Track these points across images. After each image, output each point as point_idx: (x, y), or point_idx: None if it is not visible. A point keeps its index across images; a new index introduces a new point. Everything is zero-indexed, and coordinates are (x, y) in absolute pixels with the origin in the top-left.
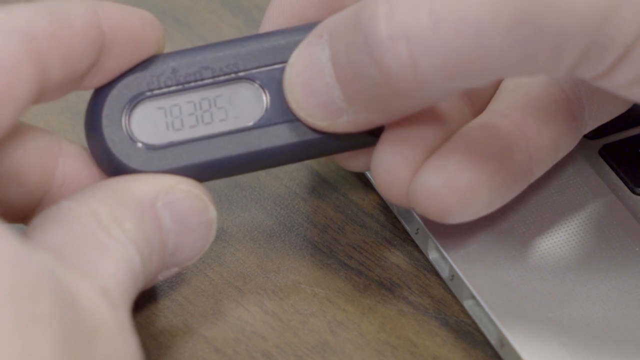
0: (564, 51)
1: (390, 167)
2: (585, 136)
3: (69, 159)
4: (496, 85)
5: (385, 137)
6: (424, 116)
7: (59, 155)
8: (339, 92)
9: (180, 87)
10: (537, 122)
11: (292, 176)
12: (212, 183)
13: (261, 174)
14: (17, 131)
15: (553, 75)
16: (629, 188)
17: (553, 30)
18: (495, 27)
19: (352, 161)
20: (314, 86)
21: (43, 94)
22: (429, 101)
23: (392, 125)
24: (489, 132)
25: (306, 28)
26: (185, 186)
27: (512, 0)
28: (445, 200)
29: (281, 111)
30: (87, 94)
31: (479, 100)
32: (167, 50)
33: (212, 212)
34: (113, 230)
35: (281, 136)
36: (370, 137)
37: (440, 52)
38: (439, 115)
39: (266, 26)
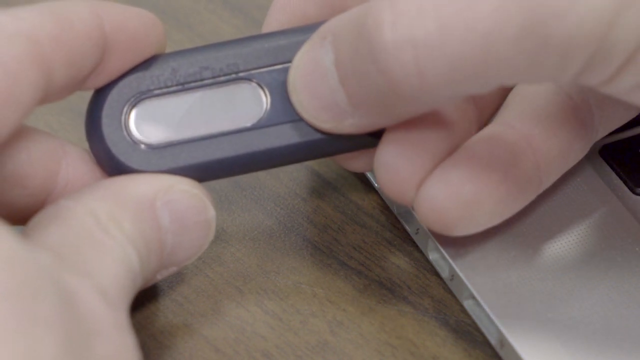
0: (570, 59)
1: (393, 166)
2: None
3: (73, 162)
4: (503, 89)
5: (389, 137)
6: (428, 118)
7: (63, 158)
8: (343, 96)
9: (180, 87)
10: (544, 131)
11: (292, 176)
12: (212, 183)
13: (261, 174)
14: (21, 134)
15: (559, 83)
16: (629, 188)
17: (559, 40)
18: (503, 37)
19: (352, 162)
20: (317, 89)
21: (46, 96)
22: (433, 105)
23: (396, 126)
24: (493, 143)
25: (306, 29)
26: (184, 186)
27: (519, 11)
28: (448, 211)
29: (281, 112)
30: (88, 94)
31: (483, 103)
32: (167, 50)
33: (211, 212)
34: (111, 230)
35: (281, 137)
36: (372, 138)
37: (446, 60)
38: (443, 118)
39: (268, 23)
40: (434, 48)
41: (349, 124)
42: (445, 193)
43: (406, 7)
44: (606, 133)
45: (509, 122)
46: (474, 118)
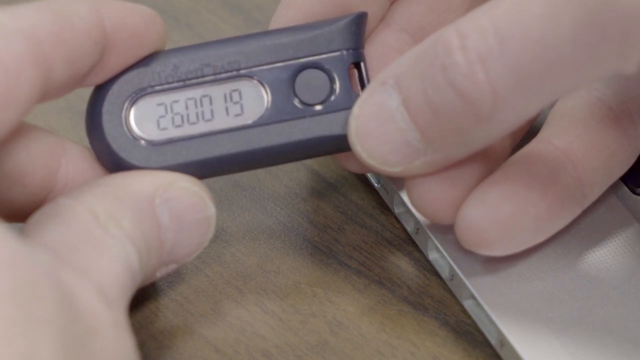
0: (630, 45)
1: (429, 188)
2: None
3: (73, 160)
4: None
5: None
6: None
7: (63, 156)
8: (416, 133)
9: (181, 83)
10: (584, 145)
11: (292, 176)
12: (211, 183)
13: (261, 174)
14: (21, 132)
15: (627, 73)
16: (629, 188)
17: (616, 26)
18: (559, 35)
19: (351, 161)
20: (386, 133)
21: (46, 94)
22: (509, 126)
23: None
24: (531, 161)
25: (308, 27)
26: (184, 183)
27: (570, 6)
28: (486, 232)
29: (282, 109)
30: (87, 93)
31: None
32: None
33: (211, 209)
34: (111, 228)
35: (281, 135)
36: None
37: (511, 69)
38: None
39: (276, 20)
40: (498, 61)
41: (421, 163)
42: (482, 213)
43: (469, 28)
44: None
45: (548, 139)
46: (507, 136)
